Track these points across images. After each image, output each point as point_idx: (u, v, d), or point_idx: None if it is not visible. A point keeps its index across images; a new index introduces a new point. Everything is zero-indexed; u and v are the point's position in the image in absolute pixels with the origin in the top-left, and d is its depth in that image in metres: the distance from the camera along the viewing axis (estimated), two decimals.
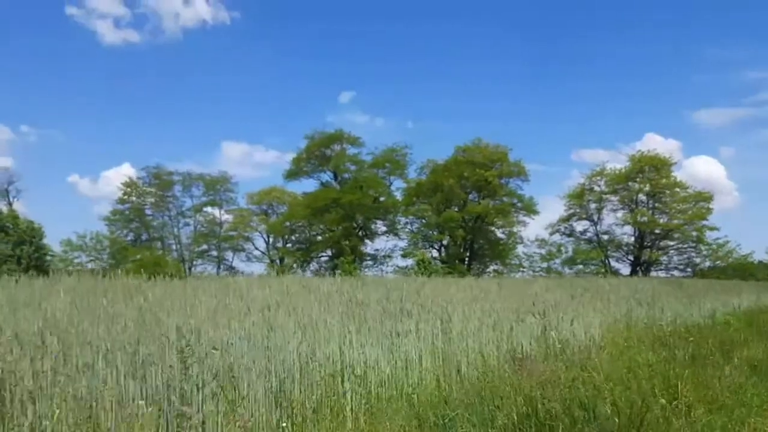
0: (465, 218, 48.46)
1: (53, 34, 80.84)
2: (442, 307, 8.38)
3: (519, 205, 49.06)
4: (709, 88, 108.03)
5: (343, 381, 5.02)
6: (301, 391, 4.68)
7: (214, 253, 56.18)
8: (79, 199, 75.43)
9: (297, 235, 53.00)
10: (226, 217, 56.20)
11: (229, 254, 57.02)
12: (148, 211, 54.86)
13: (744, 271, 46.11)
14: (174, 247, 55.21)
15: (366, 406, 5.25)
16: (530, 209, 49.31)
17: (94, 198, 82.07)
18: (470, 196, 50.00)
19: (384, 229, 53.16)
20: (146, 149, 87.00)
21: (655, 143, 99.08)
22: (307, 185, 58.82)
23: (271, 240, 57.19)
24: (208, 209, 55.69)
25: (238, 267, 56.52)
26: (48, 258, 33.43)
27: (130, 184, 53.50)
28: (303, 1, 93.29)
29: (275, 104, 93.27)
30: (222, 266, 56.61)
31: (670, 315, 13.04)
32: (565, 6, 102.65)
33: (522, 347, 6.99)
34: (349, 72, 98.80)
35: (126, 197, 53.50)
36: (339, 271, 37.09)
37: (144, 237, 55.13)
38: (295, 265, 53.41)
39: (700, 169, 77.51)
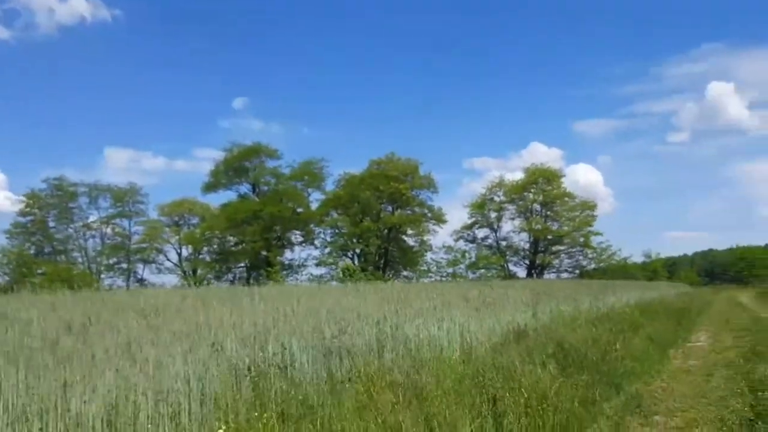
0: (380, 228, 52.50)
1: None
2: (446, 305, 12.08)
3: (429, 215, 53.89)
4: (589, 99, 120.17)
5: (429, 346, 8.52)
6: (417, 349, 8.13)
7: (124, 265, 56.33)
8: None
9: (214, 246, 54.54)
10: (137, 228, 56.65)
11: (139, 266, 57.39)
12: (51, 224, 54.22)
13: (624, 272, 53.84)
14: (80, 259, 54.87)
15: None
16: (439, 219, 54.35)
17: None
18: (383, 206, 54.13)
19: (300, 239, 56.17)
20: (19, 155, 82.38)
21: (540, 152, 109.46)
22: (224, 197, 59.98)
23: (183, 252, 58.21)
24: (118, 221, 55.94)
25: (149, 279, 57.11)
26: None
27: (32, 196, 52.69)
28: (190, 1, 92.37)
29: (163, 109, 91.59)
30: (132, 278, 56.94)
31: (585, 306, 17.59)
32: (454, 20, 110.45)
33: (518, 325, 10.83)
34: (242, 77, 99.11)
35: (28, 209, 52.67)
36: (263, 281, 39.81)
37: (47, 250, 54.35)
38: (209, 276, 55.11)
39: (580, 177, 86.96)
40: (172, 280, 57.40)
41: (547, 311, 13.06)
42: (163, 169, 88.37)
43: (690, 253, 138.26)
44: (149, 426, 4.24)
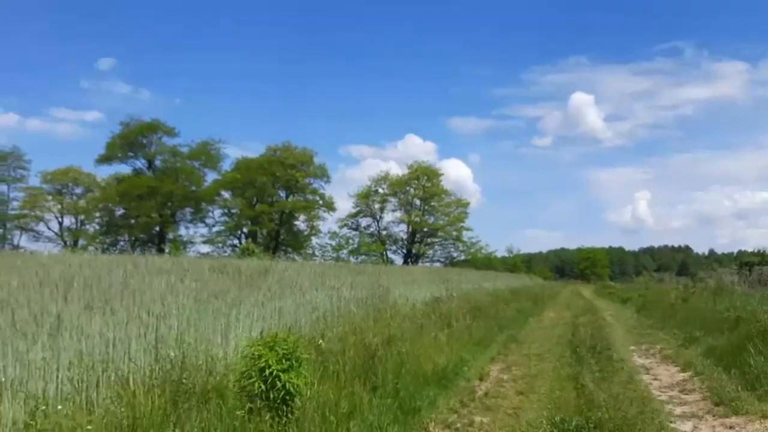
0: (273, 212, 57.42)
1: None
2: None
3: (321, 202, 59.72)
4: (464, 98, 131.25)
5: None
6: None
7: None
8: None
9: (105, 219, 56.47)
10: (16, 194, 56.97)
11: (16, 233, 57.71)
12: None
13: (488, 264, 63.17)
14: None
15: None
16: (330, 206, 60.40)
17: None
18: (278, 191, 59.07)
19: (191, 217, 59.51)
20: None
21: (415, 144, 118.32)
22: (111, 169, 61.10)
23: (65, 221, 59.32)
24: None
25: (26, 247, 57.58)
26: None
27: None
28: None
29: (13, 60, 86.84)
30: (7, 246, 57.13)
31: (470, 287, 24.48)
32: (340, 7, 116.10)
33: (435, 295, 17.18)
34: (111, 36, 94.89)
35: None
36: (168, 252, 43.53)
37: None
38: (93, 248, 56.92)
39: (452, 172, 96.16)
40: (50, 249, 58.41)
41: (452, 287, 19.60)
42: (15, 127, 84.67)
43: (545, 250, 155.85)
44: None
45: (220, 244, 60.55)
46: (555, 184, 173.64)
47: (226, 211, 60.17)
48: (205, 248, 58.71)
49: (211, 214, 60.41)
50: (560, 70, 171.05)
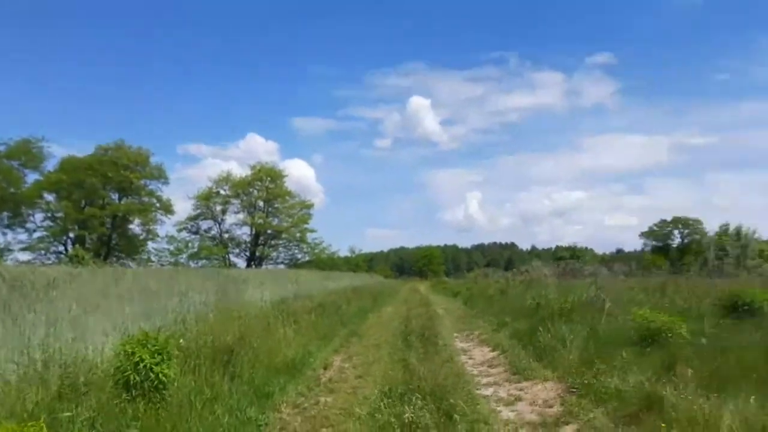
0: (105, 216, 54.87)
1: None
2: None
3: (157, 205, 57.99)
4: (307, 98, 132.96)
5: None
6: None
7: None
8: None
9: None
10: None
11: None
12: None
13: (332, 264, 65.18)
14: None
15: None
16: (167, 209, 58.83)
17: None
18: (110, 193, 56.49)
19: (7, 221, 55.02)
20: None
21: (257, 143, 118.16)
22: None
23: None
24: None
25: None
26: None
27: None
28: None
29: None
30: None
31: (316, 287, 25.88)
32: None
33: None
34: None
35: None
36: None
37: None
38: None
39: (294, 172, 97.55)
40: None
41: (298, 288, 20.90)
42: None
43: (386, 249, 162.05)
44: None
45: (42, 251, 56.68)
46: (395, 184, 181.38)
47: (49, 215, 56.57)
48: (25, 256, 54.78)
49: (31, 218, 56.41)
50: (400, 74, 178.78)
